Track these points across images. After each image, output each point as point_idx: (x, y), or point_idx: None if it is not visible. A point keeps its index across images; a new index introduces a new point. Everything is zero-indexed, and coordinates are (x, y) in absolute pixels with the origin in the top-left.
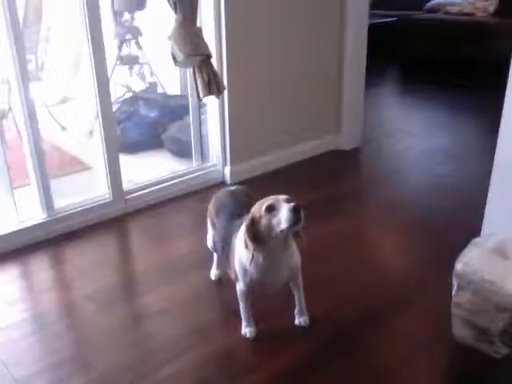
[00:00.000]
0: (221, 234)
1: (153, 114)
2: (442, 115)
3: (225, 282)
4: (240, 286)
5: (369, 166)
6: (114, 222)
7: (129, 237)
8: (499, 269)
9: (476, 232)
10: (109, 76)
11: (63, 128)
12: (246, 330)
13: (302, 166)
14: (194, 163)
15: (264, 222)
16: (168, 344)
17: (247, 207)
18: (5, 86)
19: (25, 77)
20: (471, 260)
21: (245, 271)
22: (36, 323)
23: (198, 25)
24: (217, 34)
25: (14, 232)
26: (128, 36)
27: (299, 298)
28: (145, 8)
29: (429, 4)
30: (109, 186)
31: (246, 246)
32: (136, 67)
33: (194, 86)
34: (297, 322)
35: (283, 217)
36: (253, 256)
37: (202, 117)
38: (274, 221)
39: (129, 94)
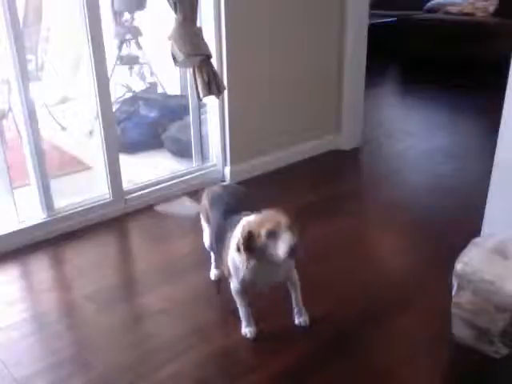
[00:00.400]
0: (215, 230)
1: (153, 114)
2: (442, 115)
3: (225, 282)
4: (234, 284)
5: (369, 166)
6: (113, 221)
7: (129, 237)
8: (499, 269)
9: (476, 232)
10: (109, 76)
11: (63, 128)
12: (246, 330)
13: (302, 166)
14: (194, 163)
15: (261, 243)
16: (168, 344)
17: (241, 202)
18: (5, 86)
19: (25, 77)
20: (471, 260)
21: (238, 270)
22: (36, 323)
23: (198, 25)
24: (217, 34)
25: (13, 232)
26: (128, 36)
27: (296, 297)
28: (145, 8)
29: (429, 4)
30: (109, 186)
31: (239, 251)
32: (136, 67)
33: (194, 85)
34: (297, 322)
35: (280, 248)
36: (246, 260)
37: (202, 117)
38: (271, 246)
39: (129, 94)
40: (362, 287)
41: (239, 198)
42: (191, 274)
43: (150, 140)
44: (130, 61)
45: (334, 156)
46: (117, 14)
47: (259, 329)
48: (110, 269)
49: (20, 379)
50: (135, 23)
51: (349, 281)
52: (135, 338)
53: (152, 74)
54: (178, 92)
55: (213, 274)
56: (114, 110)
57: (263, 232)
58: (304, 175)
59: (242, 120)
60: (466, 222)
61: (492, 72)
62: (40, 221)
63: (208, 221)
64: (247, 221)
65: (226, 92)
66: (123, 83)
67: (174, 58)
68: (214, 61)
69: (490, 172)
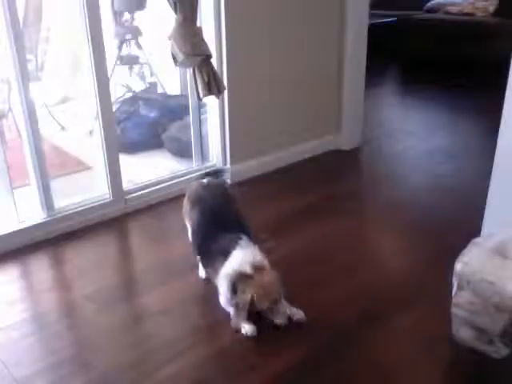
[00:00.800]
0: (197, 233)
1: (153, 114)
2: (442, 115)
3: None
4: (224, 304)
5: (369, 165)
6: (113, 222)
7: (129, 237)
8: (499, 269)
9: (476, 232)
10: (109, 76)
11: (63, 128)
12: (246, 330)
13: (302, 166)
14: (194, 163)
15: (261, 308)
16: (168, 344)
17: (222, 203)
18: (5, 85)
19: (25, 77)
20: (471, 260)
21: (230, 303)
22: (36, 323)
23: (198, 25)
24: (217, 34)
25: (14, 232)
26: (128, 36)
27: (283, 307)
28: (145, 8)
29: (429, 4)
30: (109, 186)
31: (238, 311)
32: (136, 67)
33: (194, 85)
34: (294, 320)
35: (278, 315)
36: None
37: (202, 117)
38: (269, 312)
39: (129, 94)
40: (362, 287)
41: (221, 195)
42: (191, 274)
43: (149, 140)
44: (130, 61)
45: (334, 156)
46: (117, 14)
47: (259, 329)
48: (110, 269)
49: (20, 379)
50: (135, 23)
51: (348, 281)
52: (135, 338)
53: (152, 73)
54: (178, 92)
55: (201, 272)
56: (113, 109)
57: (266, 305)
58: (304, 175)
59: (242, 120)
60: (465, 221)
61: (492, 72)
62: (40, 221)
63: (190, 222)
64: (248, 283)
65: (225, 92)
66: (123, 83)
67: (174, 58)
68: (214, 61)
69: (489, 172)
